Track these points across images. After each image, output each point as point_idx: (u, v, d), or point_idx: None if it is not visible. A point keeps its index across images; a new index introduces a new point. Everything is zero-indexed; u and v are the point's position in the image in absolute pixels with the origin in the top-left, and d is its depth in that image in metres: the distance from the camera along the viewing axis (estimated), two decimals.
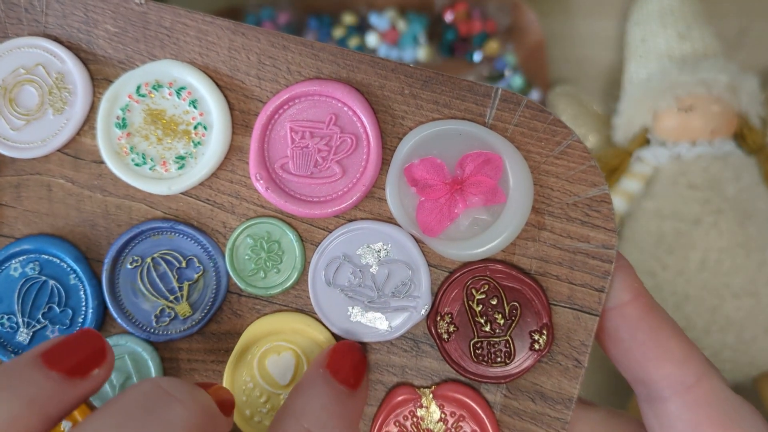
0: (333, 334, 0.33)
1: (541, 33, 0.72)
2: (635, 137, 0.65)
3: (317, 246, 0.33)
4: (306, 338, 0.33)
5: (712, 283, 0.59)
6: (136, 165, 0.33)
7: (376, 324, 0.33)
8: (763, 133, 0.64)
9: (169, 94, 0.33)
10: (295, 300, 0.33)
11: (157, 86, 0.33)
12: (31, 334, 0.33)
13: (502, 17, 0.71)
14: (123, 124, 0.33)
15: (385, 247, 0.33)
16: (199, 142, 0.33)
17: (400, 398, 0.33)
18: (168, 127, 0.33)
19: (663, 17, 0.66)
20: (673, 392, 0.31)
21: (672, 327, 0.31)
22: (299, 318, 0.34)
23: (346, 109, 0.33)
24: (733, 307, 0.58)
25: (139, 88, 0.33)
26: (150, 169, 0.33)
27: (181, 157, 0.33)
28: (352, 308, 0.33)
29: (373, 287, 0.33)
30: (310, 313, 0.34)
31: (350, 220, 0.33)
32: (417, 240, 0.33)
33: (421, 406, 0.33)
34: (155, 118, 0.33)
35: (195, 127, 0.33)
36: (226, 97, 0.33)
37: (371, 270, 0.33)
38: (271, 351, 0.33)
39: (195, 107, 0.33)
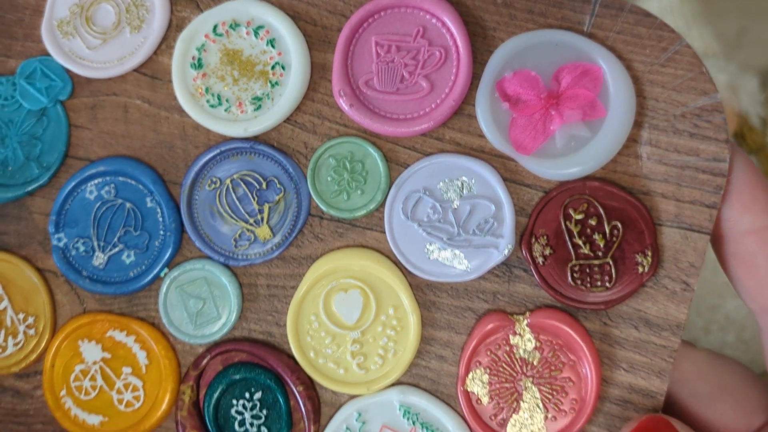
0: (411, 273, 0.34)
1: None
2: None
3: (403, 167, 0.33)
4: (374, 276, 0.34)
5: (712, 282, 0.61)
6: (211, 106, 0.34)
7: (454, 263, 0.32)
8: (763, 132, 0.65)
9: (247, 33, 0.34)
10: (378, 223, 0.33)
11: (235, 25, 0.34)
12: (107, 258, 0.34)
13: None
14: (199, 65, 0.34)
15: (468, 181, 0.33)
16: (276, 83, 0.33)
17: (491, 326, 0.33)
18: (244, 68, 0.34)
19: (662, 17, 0.67)
20: None
21: None
22: (368, 254, 0.34)
23: (434, 20, 0.33)
24: (733, 306, 0.60)
25: (215, 27, 0.34)
26: (225, 110, 0.34)
27: (258, 98, 0.33)
28: (430, 245, 0.33)
29: (454, 223, 0.33)
30: (384, 249, 0.34)
31: (437, 139, 0.33)
32: (503, 175, 0.32)
33: (514, 334, 0.33)
34: (232, 58, 0.34)
35: (272, 67, 0.33)
36: (305, 24, 0.33)
37: (453, 205, 0.33)
38: (338, 288, 0.34)
39: (273, 46, 0.34)
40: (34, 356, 0.36)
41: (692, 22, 0.67)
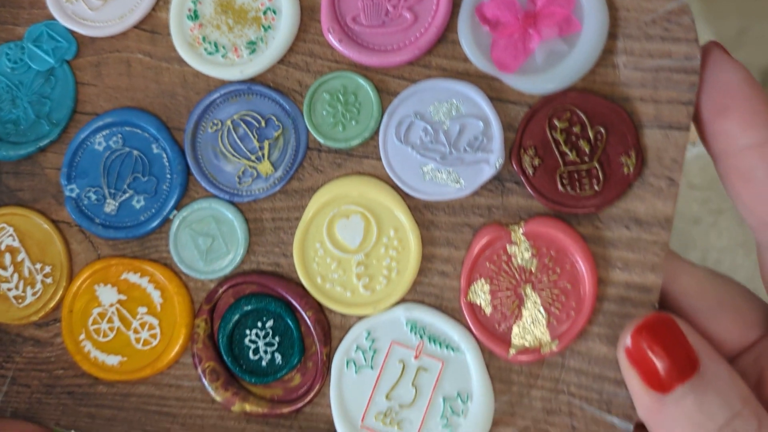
0: (408, 196, 0.36)
1: None
2: None
3: (393, 96, 0.35)
4: (374, 201, 0.36)
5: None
6: (209, 54, 0.36)
7: (448, 182, 0.34)
8: None
9: None
10: (374, 151, 0.35)
11: None
12: (118, 204, 0.36)
13: None
14: (195, 16, 0.36)
15: (456, 103, 0.35)
16: (269, 26, 0.36)
17: (488, 237, 0.35)
18: (238, 15, 0.36)
19: None
20: None
21: None
22: (366, 180, 0.36)
23: None
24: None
25: None
26: (222, 56, 0.36)
27: (252, 43, 0.36)
28: (425, 167, 0.35)
29: (445, 143, 0.35)
30: (381, 175, 0.36)
31: (424, 66, 0.35)
32: (488, 95, 0.34)
33: (511, 243, 0.34)
34: (225, 7, 0.36)
35: (264, 13, 0.36)
36: None
37: (443, 126, 0.35)
38: (340, 215, 0.36)
39: None
40: (52, 304, 0.38)
41: None
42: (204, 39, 0.37)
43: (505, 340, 0.35)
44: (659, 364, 0.31)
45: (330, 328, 0.37)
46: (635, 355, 0.32)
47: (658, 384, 0.31)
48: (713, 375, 0.31)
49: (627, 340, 0.32)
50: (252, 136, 0.37)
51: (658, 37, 0.34)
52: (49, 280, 0.38)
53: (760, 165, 0.32)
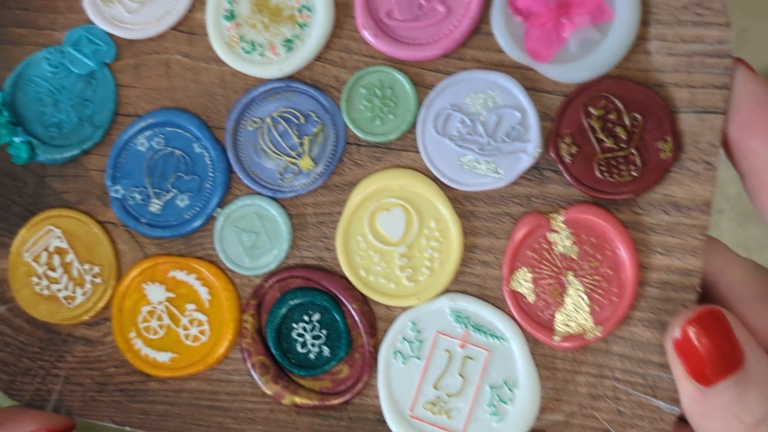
0: (448, 187, 0.37)
1: None
2: None
3: (429, 89, 0.36)
4: (414, 193, 0.38)
5: None
6: (246, 53, 0.38)
7: (487, 172, 0.36)
8: None
9: None
10: (412, 143, 0.37)
11: None
12: (162, 203, 0.38)
13: None
14: (231, 16, 0.37)
15: (492, 93, 0.36)
16: (304, 24, 0.37)
17: (529, 226, 0.36)
18: (274, 14, 0.37)
19: None
20: None
21: None
22: (406, 173, 0.38)
23: None
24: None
25: None
26: (260, 55, 0.37)
27: (289, 41, 0.37)
28: (463, 157, 0.36)
29: (483, 134, 0.36)
30: (420, 167, 0.38)
31: (459, 59, 0.36)
32: (524, 85, 0.36)
33: (552, 231, 0.36)
34: (261, 6, 0.38)
35: (299, 11, 0.37)
36: None
37: (480, 117, 0.36)
38: (380, 208, 0.37)
39: None
40: (102, 303, 0.40)
41: None
42: (241, 38, 0.38)
43: (549, 327, 0.37)
44: (706, 357, 0.32)
45: (375, 319, 0.38)
46: (683, 346, 0.33)
47: (703, 376, 0.33)
48: (756, 371, 0.33)
49: (677, 331, 0.33)
50: (292, 133, 0.38)
51: (689, 22, 0.35)
52: (98, 280, 0.40)
53: None
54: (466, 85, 0.37)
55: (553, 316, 0.37)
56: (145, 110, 0.40)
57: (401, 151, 0.38)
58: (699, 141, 0.36)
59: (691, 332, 0.33)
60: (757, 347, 0.33)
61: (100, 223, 0.40)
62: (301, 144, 0.38)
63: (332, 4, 0.38)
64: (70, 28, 0.40)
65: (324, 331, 0.38)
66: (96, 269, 0.40)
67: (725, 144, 0.36)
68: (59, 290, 0.40)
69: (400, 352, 0.38)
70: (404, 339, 0.38)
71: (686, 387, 0.34)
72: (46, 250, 0.40)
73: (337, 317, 0.38)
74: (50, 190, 0.41)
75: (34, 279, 0.40)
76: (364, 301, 0.38)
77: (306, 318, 0.38)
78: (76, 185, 0.41)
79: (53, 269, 0.40)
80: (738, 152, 0.35)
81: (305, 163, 0.38)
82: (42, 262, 0.40)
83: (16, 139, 0.39)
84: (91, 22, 0.40)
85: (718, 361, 0.33)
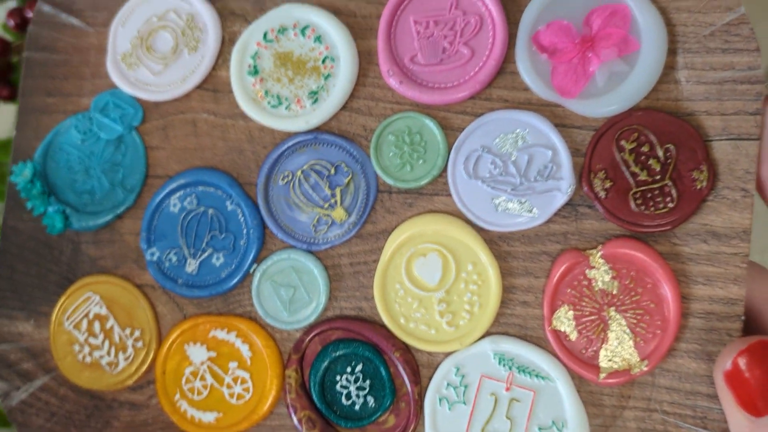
0: (483, 229, 0.38)
1: None
2: None
3: (458, 132, 0.36)
4: (449, 237, 0.38)
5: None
6: (273, 107, 0.38)
7: (521, 212, 0.36)
8: None
9: (295, 35, 0.39)
10: (444, 187, 0.37)
11: (282, 30, 0.38)
12: (198, 263, 0.39)
13: None
14: (255, 71, 0.38)
15: (522, 133, 0.36)
16: (329, 75, 0.38)
17: (567, 264, 0.36)
18: (297, 67, 0.38)
19: None
20: None
21: None
22: (439, 218, 0.38)
23: None
24: None
25: (265, 34, 0.38)
26: (286, 108, 0.38)
27: (314, 92, 0.38)
28: (496, 199, 0.37)
29: (515, 174, 0.37)
30: (453, 211, 0.38)
31: (486, 99, 0.36)
32: (553, 122, 0.36)
33: (590, 268, 0.36)
34: (284, 60, 0.38)
35: (323, 61, 0.38)
36: (346, 17, 0.38)
37: (511, 157, 0.36)
38: (417, 254, 0.38)
39: (320, 42, 0.38)
40: (144, 367, 0.40)
41: None
42: (266, 93, 0.39)
43: (594, 364, 0.37)
44: (756, 388, 0.32)
45: (418, 367, 0.38)
46: (734, 377, 0.33)
47: (754, 408, 0.33)
48: None
49: (728, 363, 0.33)
50: (323, 184, 0.39)
51: (718, 49, 0.35)
52: (139, 344, 0.40)
53: None
54: (494, 126, 0.38)
55: (597, 352, 0.37)
56: (176, 171, 0.40)
57: (433, 196, 0.39)
58: (734, 169, 0.36)
59: (742, 363, 0.33)
60: None
61: (138, 286, 0.41)
62: (333, 195, 0.39)
63: (356, 53, 0.39)
64: (96, 93, 0.41)
65: (368, 382, 0.38)
66: (137, 333, 0.40)
67: (758, 185, 0.36)
68: (102, 357, 0.40)
69: (445, 398, 0.38)
70: (449, 384, 0.38)
71: (737, 418, 0.34)
72: (86, 317, 0.41)
73: (380, 367, 0.38)
74: (86, 256, 0.41)
75: (76, 347, 0.41)
76: (406, 348, 0.38)
77: (349, 369, 0.39)
78: (111, 250, 0.41)
79: (95, 336, 0.41)
80: None
81: (338, 213, 0.39)
82: (83, 329, 0.41)
83: (50, 209, 0.40)
84: (116, 86, 0.40)
85: None
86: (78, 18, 0.41)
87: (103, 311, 0.41)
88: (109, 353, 0.40)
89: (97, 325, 0.41)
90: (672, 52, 0.36)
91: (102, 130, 0.40)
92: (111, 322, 0.41)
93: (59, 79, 0.41)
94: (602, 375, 0.37)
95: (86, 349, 0.41)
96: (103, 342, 0.41)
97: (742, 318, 0.36)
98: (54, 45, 0.41)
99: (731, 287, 0.36)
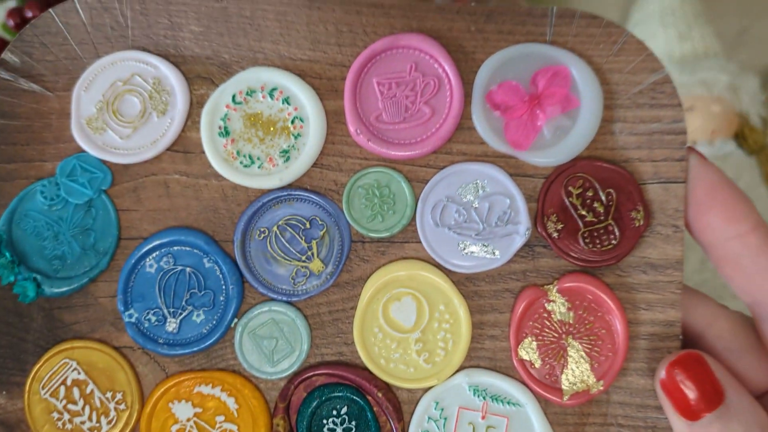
0: (451, 272, 0.41)
1: None
2: None
3: (423, 183, 0.40)
4: (421, 281, 0.41)
5: (712, 284, 0.68)
6: (245, 167, 0.40)
7: (485, 254, 0.40)
8: (764, 132, 0.72)
9: (263, 97, 0.41)
10: (413, 235, 0.40)
11: (251, 92, 0.40)
12: (179, 321, 0.39)
13: None
14: (226, 132, 0.40)
15: (481, 182, 0.40)
16: (298, 134, 0.40)
17: (528, 299, 0.41)
18: (267, 127, 0.40)
19: (663, 18, 0.74)
20: None
21: None
22: (411, 263, 0.41)
23: (423, 55, 0.41)
24: (732, 307, 0.69)
25: (234, 96, 0.40)
26: (258, 167, 0.40)
27: (285, 151, 0.40)
28: (462, 243, 0.40)
29: (478, 221, 0.40)
30: (423, 256, 0.42)
31: (447, 153, 0.40)
32: (508, 172, 0.41)
33: (549, 301, 0.40)
34: (254, 120, 0.40)
35: (292, 122, 0.40)
36: (312, 79, 0.41)
37: (473, 205, 0.40)
38: (392, 299, 0.41)
39: (288, 104, 0.40)
40: (128, 429, 0.41)
41: (693, 22, 0.74)
42: (238, 153, 0.41)
43: (557, 387, 0.41)
44: (690, 395, 0.38)
45: (400, 404, 0.41)
46: (669, 386, 0.38)
47: (689, 412, 0.38)
48: (737, 406, 0.38)
49: (662, 373, 0.39)
50: (299, 238, 0.41)
51: (647, 104, 0.41)
52: (122, 407, 0.40)
53: (744, 252, 0.40)
54: (456, 177, 0.41)
55: (559, 377, 0.41)
56: (150, 232, 0.41)
57: (404, 243, 0.42)
58: (666, 208, 0.41)
59: (675, 373, 0.38)
60: (737, 385, 0.39)
61: (117, 348, 0.41)
62: (310, 248, 0.41)
63: (323, 113, 0.41)
64: (60, 157, 0.41)
65: (354, 422, 0.41)
66: (119, 396, 0.41)
67: (687, 224, 0.42)
68: (83, 422, 0.40)
69: (427, 431, 0.41)
70: (430, 418, 0.41)
71: (676, 423, 0.39)
72: (63, 383, 0.40)
73: (364, 406, 0.41)
74: (59, 322, 0.41)
75: (55, 414, 0.40)
76: (387, 388, 0.41)
77: (335, 412, 0.41)
78: (86, 314, 0.41)
79: (74, 402, 0.40)
80: (698, 229, 0.41)
81: (315, 265, 0.41)
82: (60, 396, 0.40)
83: (20, 278, 0.39)
84: (82, 150, 0.41)
85: (701, 397, 0.38)
86: (38, 83, 0.41)
87: (82, 376, 0.40)
88: (90, 418, 0.40)
89: (76, 391, 0.40)
90: (608, 107, 0.41)
91: (70, 195, 0.40)
92: (91, 387, 0.40)
93: (20, 144, 0.41)
94: (565, 397, 0.41)
95: (66, 416, 0.40)
96: (83, 407, 0.40)
97: (680, 337, 0.41)
98: (13, 111, 0.41)
99: (669, 311, 0.41)
